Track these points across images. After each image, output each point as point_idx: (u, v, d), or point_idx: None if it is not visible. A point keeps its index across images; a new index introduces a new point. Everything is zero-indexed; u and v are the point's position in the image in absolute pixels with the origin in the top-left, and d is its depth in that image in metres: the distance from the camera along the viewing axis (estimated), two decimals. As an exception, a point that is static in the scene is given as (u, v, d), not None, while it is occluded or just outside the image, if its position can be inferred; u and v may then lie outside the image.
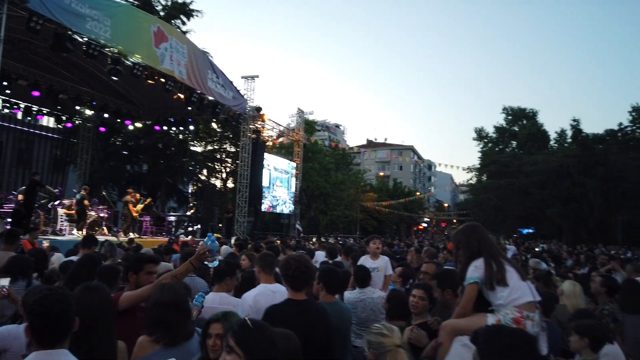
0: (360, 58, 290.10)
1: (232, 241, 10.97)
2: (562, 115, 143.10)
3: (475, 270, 2.71)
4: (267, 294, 3.53)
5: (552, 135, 49.09)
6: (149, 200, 17.17)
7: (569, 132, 42.40)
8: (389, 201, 49.45)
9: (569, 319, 3.76)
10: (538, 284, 5.48)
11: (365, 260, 5.72)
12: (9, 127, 20.92)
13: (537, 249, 16.57)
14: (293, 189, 26.40)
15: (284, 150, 33.59)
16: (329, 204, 38.74)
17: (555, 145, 47.16)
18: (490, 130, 53.58)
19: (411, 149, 79.58)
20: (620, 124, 43.34)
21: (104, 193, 18.65)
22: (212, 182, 29.73)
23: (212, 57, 18.12)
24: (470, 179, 51.01)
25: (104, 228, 15.77)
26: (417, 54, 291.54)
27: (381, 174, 74.11)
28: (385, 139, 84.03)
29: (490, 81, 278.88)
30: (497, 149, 51.72)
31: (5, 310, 3.82)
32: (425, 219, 72.17)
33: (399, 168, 78.26)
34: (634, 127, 43.28)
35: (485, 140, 53.40)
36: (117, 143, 26.12)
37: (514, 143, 51.46)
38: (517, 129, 51.76)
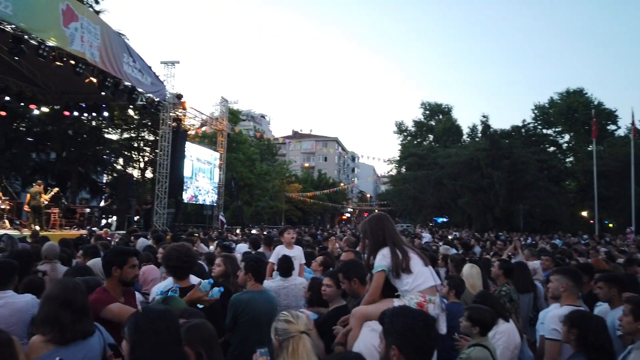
0: (286, 48, 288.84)
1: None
2: (475, 111, 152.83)
3: (383, 258, 2.85)
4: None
5: (465, 130, 52.51)
6: (55, 190, 15.94)
7: (480, 127, 45.52)
8: (314, 192, 50.09)
9: (472, 301, 4.10)
10: (452, 268, 5.92)
11: (281, 250, 5.84)
12: None
13: (449, 237, 17.70)
14: (216, 180, 25.86)
15: (207, 140, 32.69)
16: (253, 195, 38.40)
17: (468, 139, 50.44)
18: (409, 124, 56.09)
19: (336, 140, 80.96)
20: (524, 120, 47.55)
21: (4, 183, 17.05)
22: (129, 172, 28.23)
23: (128, 39, 17.16)
24: (391, 170, 53.10)
25: (6, 221, 14.47)
26: (342, 47, 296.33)
27: (306, 165, 74.70)
28: (311, 130, 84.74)
29: (410, 76, 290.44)
30: (415, 142, 54.26)
31: None
32: (349, 209, 74.06)
33: (324, 159, 79.34)
34: (535, 124, 47.57)
35: (405, 134, 55.82)
36: (21, 129, 23.91)
37: (431, 137, 54.29)
38: (434, 124, 54.61)
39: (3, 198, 14.97)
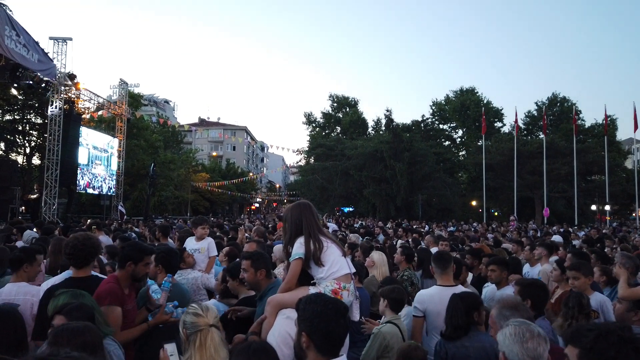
0: (192, 32, 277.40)
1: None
2: (379, 104, 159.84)
3: (300, 246, 2.89)
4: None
5: (370, 123, 54.58)
6: None
7: (384, 121, 47.58)
8: (222, 181, 48.99)
9: (379, 285, 4.30)
10: (360, 255, 6.14)
11: (190, 242, 5.69)
12: None
13: (355, 226, 18.35)
14: (115, 168, 24.21)
15: (104, 125, 30.41)
16: (157, 184, 36.59)
17: (373, 132, 52.49)
18: (318, 115, 56.95)
19: (244, 129, 79.75)
20: (423, 115, 50.64)
21: None
22: (12, 157, 25.38)
23: (11, 11, 15.29)
24: (300, 160, 53.60)
25: None
26: (252, 36, 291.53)
27: (214, 154, 72.78)
28: (219, 119, 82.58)
29: (319, 69, 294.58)
30: (323, 133, 55.27)
31: None
32: (258, 200, 73.59)
33: (232, 148, 77.85)
34: (433, 119, 50.87)
35: (314, 125, 56.60)
36: None
37: (339, 128, 55.65)
38: (341, 116, 56.01)
39: None
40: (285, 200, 77.69)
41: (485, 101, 48.28)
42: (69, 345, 1.90)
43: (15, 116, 25.32)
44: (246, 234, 8.76)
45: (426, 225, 23.40)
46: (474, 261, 6.16)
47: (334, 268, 2.85)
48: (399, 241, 9.22)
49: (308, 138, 54.98)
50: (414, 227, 18.17)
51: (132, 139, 31.06)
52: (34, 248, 4.02)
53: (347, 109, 56.29)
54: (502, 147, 37.79)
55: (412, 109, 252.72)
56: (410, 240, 9.87)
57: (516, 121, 35.42)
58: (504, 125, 48.58)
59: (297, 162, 56.04)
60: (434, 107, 51.15)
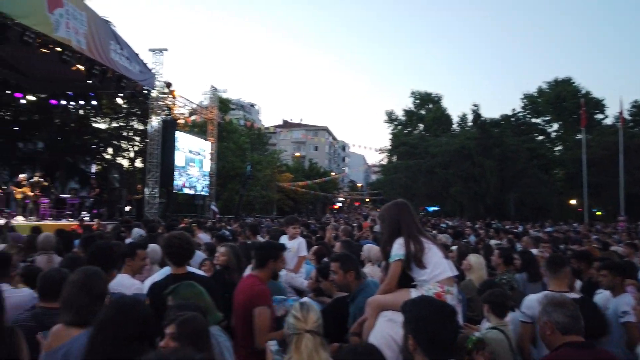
0: (275, 36, 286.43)
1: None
2: (464, 100, 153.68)
3: (400, 247, 2.81)
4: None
5: (455, 119, 52.63)
6: (38, 179, 15.64)
7: (470, 117, 45.63)
8: (305, 181, 49.97)
9: (477, 290, 4.06)
10: (455, 257, 5.87)
11: (283, 241, 5.79)
12: None
13: (442, 226, 17.76)
14: (207, 169, 25.63)
15: (197, 129, 32.34)
16: (251, 184, 38.24)
17: (458, 128, 50.58)
18: (400, 113, 56.04)
19: (326, 129, 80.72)
20: (514, 109, 47.75)
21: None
22: (119, 161, 27.88)
23: (114, 26, 16.77)
24: (382, 159, 53.15)
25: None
26: (332, 36, 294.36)
27: (297, 154, 74.47)
28: (301, 120, 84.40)
29: (400, 65, 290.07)
30: (406, 131, 54.28)
31: None
32: (340, 199, 74.14)
33: (314, 149, 79.15)
34: (525, 113, 47.80)
35: (396, 123, 55.79)
36: (7, 118, 23.42)
37: (421, 126, 54.33)
38: (424, 113, 54.63)
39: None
40: (367, 200, 77.49)
41: (583, 92, 44.42)
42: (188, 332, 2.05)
43: (121, 123, 27.76)
44: (333, 233, 8.80)
45: (519, 226, 22.03)
46: (581, 265, 5.63)
47: (437, 270, 2.76)
48: (493, 242, 8.72)
49: (390, 136, 54.31)
50: (506, 227, 17.17)
51: (222, 142, 32.70)
52: (135, 244, 4.29)
53: (430, 106, 54.78)
54: (605, 140, 34.54)
55: (500, 103, 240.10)
56: (504, 241, 9.31)
57: (621, 112, 32.10)
58: (606, 117, 44.37)
59: (379, 161, 55.61)
60: (525, 100, 48.06)
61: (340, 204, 73.97)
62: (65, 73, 16.23)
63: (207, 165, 25.61)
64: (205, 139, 26.09)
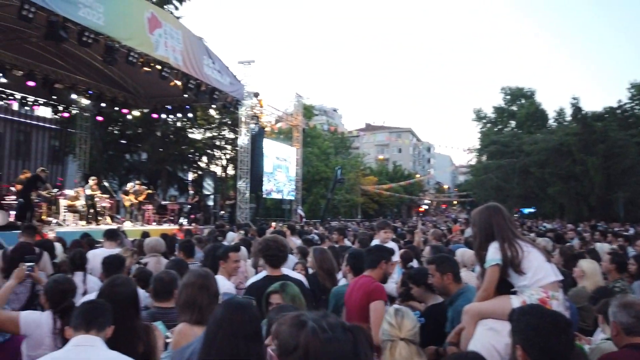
0: (356, 40, 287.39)
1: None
2: (559, 93, 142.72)
3: (496, 252, 2.67)
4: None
5: (551, 114, 48.97)
6: (145, 188, 17.11)
7: (568, 111, 42.20)
8: (389, 184, 49.42)
9: (589, 298, 3.73)
10: (560, 262, 5.42)
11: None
12: (7, 119, 20.68)
13: (541, 228, 16.55)
14: (293, 175, 26.31)
15: (282, 136, 33.38)
16: (329, 189, 38.71)
17: (555, 123, 47.01)
18: (489, 110, 53.39)
19: (410, 131, 79.31)
20: (620, 100, 43.17)
21: (105, 183, 18.56)
22: (212, 169, 29.60)
23: (206, 42, 17.82)
24: (471, 160, 50.97)
25: (107, 217, 15.73)
26: (413, 36, 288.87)
27: (380, 157, 73.94)
28: (384, 122, 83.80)
29: (487, 61, 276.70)
30: (496, 129, 51.56)
31: (19, 291, 3.81)
32: (426, 201, 72.30)
33: (398, 151, 78.08)
34: (632, 104, 43.10)
35: (484, 121, 53.21)
36: (116, 132, 25.93)
37: (513, 123, 51.29)
38: (515, 109, 51.55)
39: (104, 196, 16.28)
40: (455, 202, 74.73)
41: None
42: None
43: (214, 133, 29.51)
44: (422, 237, 8.56)
45: (630, 228, 19.91)
46: None
47: (539, 275, 2.57)
48: (605, 246, 7.94)
49: (479, 135, 51.92)
50: (615, 229, 15.60)
51: (306, 147, 33.41)
52: (228, 247, 4.49)
53: (523, 101, 51.57)
54: None
55: (602, 95, 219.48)
56: (615, 245, 8.45)
57: None
58: None
59: (468, 162, 53.40)
60: (633, 90, 43.34)
61: (426, 207, 72.12)
62: (165, 88, 17.59)
63: (293, 171, 26.29)
64: (291, 145, 26.81)
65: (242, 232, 8.79)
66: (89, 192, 14.45)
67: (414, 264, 6.06)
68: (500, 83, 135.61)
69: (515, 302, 2.52)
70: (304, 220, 24.49)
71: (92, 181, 14.61)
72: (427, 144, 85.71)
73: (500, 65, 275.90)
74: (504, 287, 2.65)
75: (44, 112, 21.82)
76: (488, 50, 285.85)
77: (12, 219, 11.65)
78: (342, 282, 4.40)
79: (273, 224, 17.86)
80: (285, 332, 1.11)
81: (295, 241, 7.13)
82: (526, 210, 40.42)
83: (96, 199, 14.80)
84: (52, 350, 2.50)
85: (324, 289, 4.11)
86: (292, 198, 26.51)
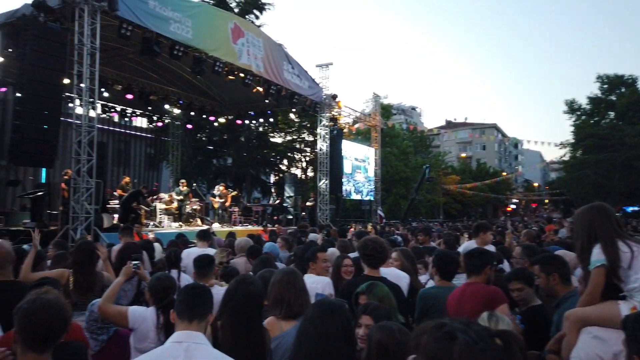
0: (432, 36, 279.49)
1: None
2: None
3: (601, 253, 2.45)
4: None
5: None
6: (229, 191, 17.94)
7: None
8: (473, 183, 47.43)
9: None
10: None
11: (470, 246, 5.44)
12: (109, 130, 22.74)
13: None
14: (372, 175, 26.17)
15: (361, 137, 33.34)
16: (409, 189, 37.96)
17: (663, 112, 42.26)
18: (583, 101, 49.26)
19: (494, 127, 75.56)
20: None
21: (194, 186, 19.73)
22: (293, 171, 30.33)
23: (285, 48, 18.32)
24: (564, 155, 47.40)
25: (198, 219, 16.69)
26: (496, 25, 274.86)
27: (463, 155, 71.26)
28: (466, 119, 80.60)
29: (579, 49, 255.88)
30: (592, 121, 47.46)
31: (126, 288, 4.14)
32: (514, 200, 68.37)
33: (482, 148, 74.73)
34: None
35: (578, 113, 49.15)
36: (203, 139, 27.49)
37: (612, 114, 46.89)
38: (614, 98, 47.09)
39: (194, 200, 17.31)
40: (546, 201, 69.87)
41: None
42: None
43: (293, 136, 30.27)
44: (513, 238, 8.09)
45: None
46: None
47: None
48: None
49: (572, 128, 48.11)
50: None
51: (385, 147, 33.11)
52: (316, 248, 4.54)
53: (623, 90, 46.95)
54: None
55: None
56: None
57: None
58: None
59: (560, 157, 49.70)
60: None
61: (514, 206, 68.20)
62: (248, 95, 18.37)
63: (372, 171, 26.15)
64: (370, 146, 26.69)
65: (324, 232, 8.88)
66: (179, 195, 15.42)
67: (505, 266, 5.77)
68: (595, 72, 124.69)
69: (624, 307, 2.30)
70: (384, 221, 24.25)
71: (181, 184, 15.57)
72: (514, 140, 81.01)
73: (594, 53, 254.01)
74: (611, 291, 2.43)
75: (141, 122, 23.72)
76: (579, 38, 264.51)
77: (115, 221, 12.76)
78: (430, 283, 4.28)
79: (353, 224, 17.90)
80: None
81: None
82: (630, 209, 36.77)
83: (186, 202, 15.75)
84: (156, 343, 2.68)
85: (413, 290, 4.04)
86: (372, 199, 26.37)
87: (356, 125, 29.91)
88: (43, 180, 17.50)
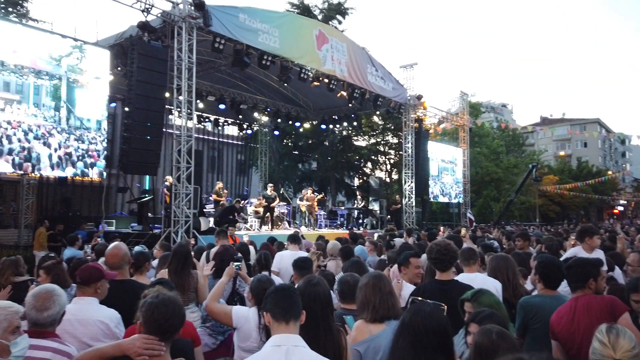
0: (523, 29, 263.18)
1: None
2: None
3: None
4: None
5: None
6: (321, 195, 18.24)
7: None
8: (574, 183, 43.79)
9: None
10: None
11: (578, 253, 5.00)
12: (203, 138, 24.26)
13: None
14: (460, 176, 25.21)
15: (447, 137, 32.30)
16: (501, 190, 36.01)
17: None
18: None
19: (597, 122, 69.23)
20: None
21: (282, 191, 20.35)
22: (377, 174, 30.15)
23: (369, 51, 18.28)
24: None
25: (286, 223, 17.18)
26: (596, 5, 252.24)
27: (561, 153, 66.18)
28: (563, 114, 74.95)
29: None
30: None
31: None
32: (622, 202, 62.05)
33: (583, 145, 68.84)
34: None
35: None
36: (289, 144, 28.30)
37: None
38: None
39: (282, 203, 17.85)
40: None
41: None
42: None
43: (377, 139, 30.12)
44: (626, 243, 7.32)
45: None
46: None
47: None
48: None
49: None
50: None
51: (474, 148, 31.75)
52: (409, 253, 4.43)
53: None
54: None
55: None
56: None
57: None
58: None
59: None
60: None
61: (621, 208, 61.87)
62: (332, 100, 18.61)
63: (460, 173, 25.20)
64: (457, 146, 25.75)
65: (415, 237, 8.69)
66: (266, 199, 15.87)
67: (617, 274, 5.22)
68: None
69: None
70: (474, 224, 23.21)
71: (269, 188, 16.05)
72: (621, 135, 73.60)
73: None
74: None
75: (232, 130, 24.98)
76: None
77: (211, 224, 13.53)
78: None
79: (442, 228, 17.33)
80: None
81: (473, 246, 6.74)
82: None
83: (273, 205, 16.21)
84: (258, 343, 2.79)
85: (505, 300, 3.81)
86: (460, 201, 25.39)
87: (442, 126, 29.01)
88: (147, 187, 19.09)
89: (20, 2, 13.53)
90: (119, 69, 12.58)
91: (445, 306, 2.16)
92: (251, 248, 7.01)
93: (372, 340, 2.60)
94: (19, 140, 9.62)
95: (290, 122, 21.72)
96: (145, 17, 10.94)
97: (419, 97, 20.19)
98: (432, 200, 23.95)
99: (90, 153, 10.90)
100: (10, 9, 13.12)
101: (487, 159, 35.68)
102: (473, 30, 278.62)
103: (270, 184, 16.73)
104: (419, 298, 2.81)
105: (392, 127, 28.12)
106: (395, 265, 4.13)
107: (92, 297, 2.84)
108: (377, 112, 22.07)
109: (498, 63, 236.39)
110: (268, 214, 15.76)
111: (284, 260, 5.38)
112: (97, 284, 2.86)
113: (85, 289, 2.84)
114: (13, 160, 9.50)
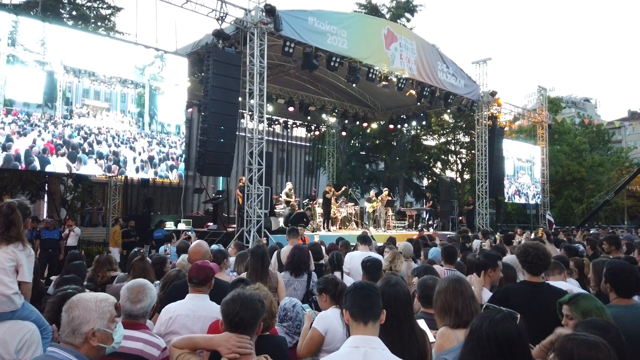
0: (607, 16, 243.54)
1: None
2: None
3: None
4: None
5: None
6: (386, 193, 18.00)
7: None
8: (669, 182, 39.84)
9: None
10: None
11: None
12: (273, 140, 24.87)
13: None
14: (538, 176, 23.83)
15: (524, 134, 30.66)
16: (584, 190, 33.56)
17: None
18: None
19: (696, 115, 62.54)
20: None
21: (350, 192, 20.35)
22: (447, 174, 29.27)
23: (439, 47, 17.76)
24: None
25: (353, 223, 17.16)
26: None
27: (653, 150, 60.47)
28: (656, 107, 68.27)
29: None
30: None
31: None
32: None
33: (680, 140, 62.48)
34: None
35: None
36: (357, 145, 28.24)
37: None
38: None
39: (350, 204, 17.85)
40: None
41: None
42: None
43: (448, 138, 29.24)
44: None
45: None
46: None
47: None
48: None
49: None
50: None
51: (553, 145, 29.89)
52: (494, 255, 4.26)
53: None
54: None
55: None
56: None
57: None
58: None
59: None
60: None
61: None
62: (400, 99, 18.34)
63: (538, 172, 23.82)
64: (535, 144, 24.38)
65: (492, 239, 8.33)
66: (327, 199, 15.83)
67: None
68: None
69: None
70: (554, 226, 21.83)
71: (327, 188, 15.96)
72: None
73: None
74: None
75: (300, 132, 25.39)
76: None
77: (281, 224, 13.83)
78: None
79: (518, 230, 16.45)
80: None
81: (556, 250, 6.35)
82: None
83: (338, 206, 16.15)
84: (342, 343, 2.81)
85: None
86: (539, 202, 24.00)
87: (518, 122, 27.60)
88: (220, 188, 19.90)
89: (108, 16, 14.58)
90: (196, 75, 13.22)
91: (519, 315, 1.96)
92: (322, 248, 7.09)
93: (459, 348, 2.49)
94: (108, 145, 10.40)
95: (357, 123, 21.68)
96: (220, 25, 11.44)
97: (493, 94, 19.35)
98: (507, 201, 22.85)
99: (170, 156, 11.54)
100: (99, 24, 14.21)
101: (569, 157, 33.44)
102: (551, 21, 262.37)
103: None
104: (492, 305, 2.68)
105: (464, 125, 27.16)
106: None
107: (205, 294, 3.07)
108: (448, 110, 21.38)
109: (580, 55, 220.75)
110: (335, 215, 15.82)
111: (354, 261, 5.37)
112: (210, 282, 3.10)
113: (201, 288, 3.05)
114: (104, 163, 10.29)
